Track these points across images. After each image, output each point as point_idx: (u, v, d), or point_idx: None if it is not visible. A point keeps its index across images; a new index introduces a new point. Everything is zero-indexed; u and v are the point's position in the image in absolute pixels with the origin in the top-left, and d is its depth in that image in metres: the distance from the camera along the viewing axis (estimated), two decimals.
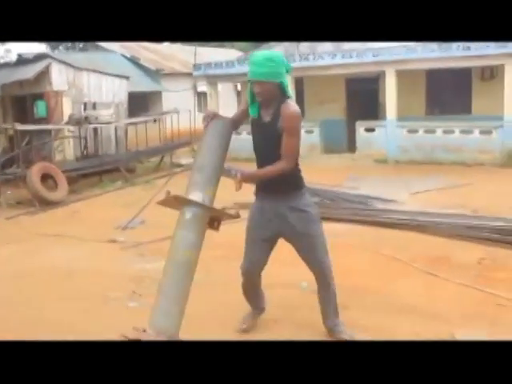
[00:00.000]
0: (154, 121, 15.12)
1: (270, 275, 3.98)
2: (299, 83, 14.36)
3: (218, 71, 14.97)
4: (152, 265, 5.47)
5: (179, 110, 14.72)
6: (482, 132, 12.13)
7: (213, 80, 15.47)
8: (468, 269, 4.89)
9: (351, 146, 13.83)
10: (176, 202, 3.12)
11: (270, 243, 3.49)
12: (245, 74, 12.95)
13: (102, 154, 13.16)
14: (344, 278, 4.00)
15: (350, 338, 3.40)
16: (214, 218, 3.13)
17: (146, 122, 14.56)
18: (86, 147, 13.00)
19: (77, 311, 4.37)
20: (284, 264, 5.13)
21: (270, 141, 3.22)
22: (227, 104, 19.46)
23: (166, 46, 25.99)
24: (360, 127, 13.25)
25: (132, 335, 2.69)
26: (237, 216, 3.13)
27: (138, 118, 15.03)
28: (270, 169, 3.19)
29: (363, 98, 14.28)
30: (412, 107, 13.57)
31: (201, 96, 20.71)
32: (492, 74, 12.98)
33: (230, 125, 3.33)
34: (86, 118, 12.99)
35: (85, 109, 13.95)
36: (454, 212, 6.99)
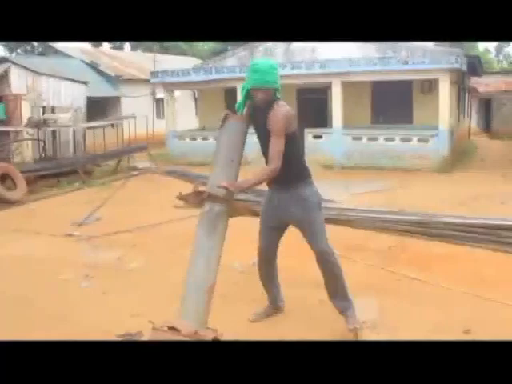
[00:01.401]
0: (112, 125, 15.50)
1: None
2: None
3: (175, 79, 15.49)
4: (104, 254, 6.00)
5: (136, 115, 15.19)
6: (419, 140, 13.05)
7: (169, 87, 15.99)
8: (379, 253, 5.65)
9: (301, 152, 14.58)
10: (198, 198, 3.32)
11: (278, 230, 3.75)
12: (200, 82, 13.57)
13: (60, 156, 13.42)
14: (249, 255, 4.60)
15: (354, 327, 3.56)
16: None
17: (103, 126, 14.97)
18: (44, 150, 13.24)
19: (33, 289, 4.86)
20: None
21: (267, 141, 3.42)
22: (185, 110, 20.03)
23: (126, 53, 26.41)
24: (308, 134, 14.00)
25: (166, 324, 2.81)
26: (255, 213, 3.46)
27: (96, 122, 15.42)
28: (259, 175, 3.39)
29: (313, 107, 15.03)
30: (359, 116, 14.44)
31: (159, 102, 21.17)
32: (430, 87, 13.92)
33: (245, 124, 3.54)
34: (45, 121, 13.26)
35: (43, 112, 14.24)
36: (379, 209, 7.68)
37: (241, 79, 14.40)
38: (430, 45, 14.80)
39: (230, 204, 3.28)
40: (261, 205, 3.83)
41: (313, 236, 3.57)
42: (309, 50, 14.49)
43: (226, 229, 3.27)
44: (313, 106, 15.03)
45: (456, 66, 12.37)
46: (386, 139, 13.31)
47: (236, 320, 3.85)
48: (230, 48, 21.43)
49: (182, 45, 31.68)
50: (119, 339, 3.52)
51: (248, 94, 3.48)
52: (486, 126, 24.02)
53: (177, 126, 16.40)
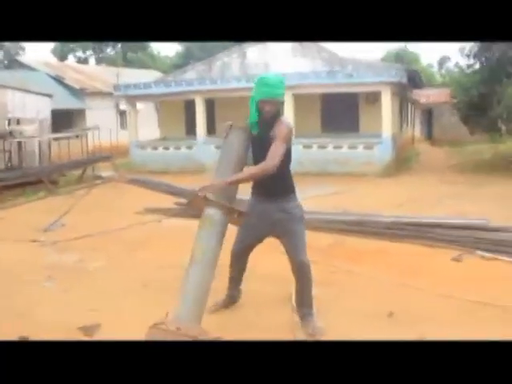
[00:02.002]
0: (77, 136, 15.97)
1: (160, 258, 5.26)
2: (210, 104, 15.88)
3: (137, 91, 16.18)
4: (67, 257, 6.30)
5: (100, 126, 15.75)
6: (365, 147, 14.04)
7: (132, 99, 16.63)
8: (319, 250, 6.05)
9: None
10: (202, 203, 3.42)
11: (257, 239, 3.89)
12: (161, 95, 14.40)
13: (25, 166, 13.62)
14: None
15: (314, 331, 3.69)
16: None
17: (68, 137, 15.44)
18: (10, 160, 13.48)
19: None
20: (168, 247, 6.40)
21: (267, 152, 3.45)
22: (148, 121, 20.69)
23: (90, 67, 26.99)
24: None
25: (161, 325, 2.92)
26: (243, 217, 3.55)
27: (61, 133, 15.90)
28: (252, 169, 3.46)
29: None
30: (309, 126, 15.36)
31: (123, 114, 21.74)
32: (375, 97, 14.95)
33: (248, 135, 3.64)
34: (11, 132, 13.55)
35: (9, 124, 14.59)
36: (322, 210, 8.06)
37: (199, 92, 15.24)
38: (373, 59, 15.92)
39: (231, 211, 3.41)
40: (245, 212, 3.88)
41: (294, 248, 3.68)
42: (262, 65, 15.40)
43: (225, 230, 3.41)
44: None
45: (396, 79, 13.45)
46: (335, 147, 14.24)
47: None
48: (190, 62, 22.26)
49: (145, 59, 32.34)
50: (88, 339, 3.64)
51: (256, 108, 3.58)
52: (428, 135, 25.57)
53: (140, 137, 16.96)
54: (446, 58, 47.16)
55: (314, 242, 6.46)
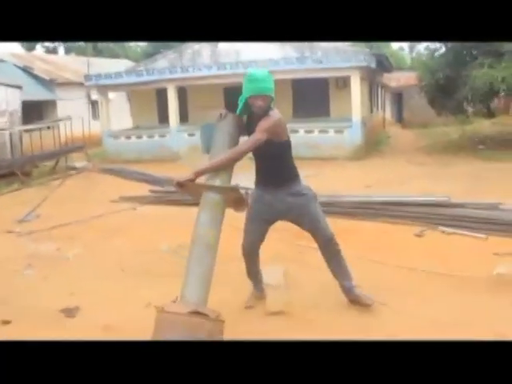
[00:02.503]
0: (48, 128, 15.86)
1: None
2: (182, 92, 15.93)
3: (108, 81, 16.14)
4: (44, 246, 6.35)
5: (72, 117, 15.68)
6: (335, 131, 14.32)
7: (103, 89, 16.59)
8: (288, 230, 5.83)
9: None
10: (195, 188, 3.47)
11: (268, 225, 3.86)
12: (132, 84, 14.42)
13: None
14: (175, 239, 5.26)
15: (368, 300, 3.85)
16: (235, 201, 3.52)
17: (40, 128, 15.32)
18: None
19: None
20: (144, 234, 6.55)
21: (264, 148, 3.52)
22: (120, 110, 20.62)
23: (59, 57, 26.60)
24: None
25: (164, 306, 2.93)
26: (245, 203, 3.56)
27: (31, 124, 15.77)
28: (222, 156, 3.44)
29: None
30: (281, 111, 15.01)
31: (95, 104, 21.58)
32: (345, 83, 15.21)
33: (240, 120, 3.68)
34: None
35: None
36: None
37: (170, 80, 15.27)
38: (342, 45, 16.13)
39: (230, 195, 3.44)
40: (250, 203, 3.82)
41: (319, 226, 3.75)
42: (233, 52, 15.49)
43: (223, 214, 3.41)
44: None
45: (364, 63, 13.70)
46: (306, 131, 14.43)
47: (164, 292, 3.91)
48: (161, 50, 22.17)
49: (115, 47, 32.03)
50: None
51: (246, 104, 3.61)
52: (399, 117, 26.03)
53: (112, 126, 16.97)
54: None
55: (283, 223, 6.78)
